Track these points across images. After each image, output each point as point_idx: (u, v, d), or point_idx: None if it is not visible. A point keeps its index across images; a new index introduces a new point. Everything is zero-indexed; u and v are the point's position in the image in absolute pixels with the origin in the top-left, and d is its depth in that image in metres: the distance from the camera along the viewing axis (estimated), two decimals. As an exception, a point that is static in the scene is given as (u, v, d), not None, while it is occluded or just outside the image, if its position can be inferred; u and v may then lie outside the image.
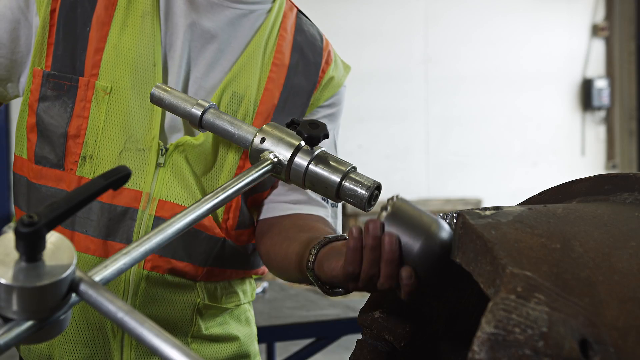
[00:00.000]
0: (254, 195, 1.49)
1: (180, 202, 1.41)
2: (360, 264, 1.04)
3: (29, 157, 1.43)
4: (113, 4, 1.42)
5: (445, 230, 1.01)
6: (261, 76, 1.46)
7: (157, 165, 1.41)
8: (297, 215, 1.48)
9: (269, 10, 1.50)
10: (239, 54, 1.46)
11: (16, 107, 7.80)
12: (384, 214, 1.02)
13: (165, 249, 1.42)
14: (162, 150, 1.41)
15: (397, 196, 1.05)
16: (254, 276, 1.60)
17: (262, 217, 1.51)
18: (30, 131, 1.43)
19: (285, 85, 1.48)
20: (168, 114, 1.42)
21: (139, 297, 1.41)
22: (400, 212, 1.02)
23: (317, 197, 1.50)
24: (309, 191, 1.46)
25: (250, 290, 1.60)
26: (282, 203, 1.49)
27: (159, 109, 1.40)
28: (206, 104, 1.23)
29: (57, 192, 1.41)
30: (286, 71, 1.48)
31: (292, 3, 1.57)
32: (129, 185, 1.39)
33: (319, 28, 1.57)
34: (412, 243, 1.01)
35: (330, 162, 1.13)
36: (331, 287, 1.19)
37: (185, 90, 1.43)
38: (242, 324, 1.57)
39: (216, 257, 1.47)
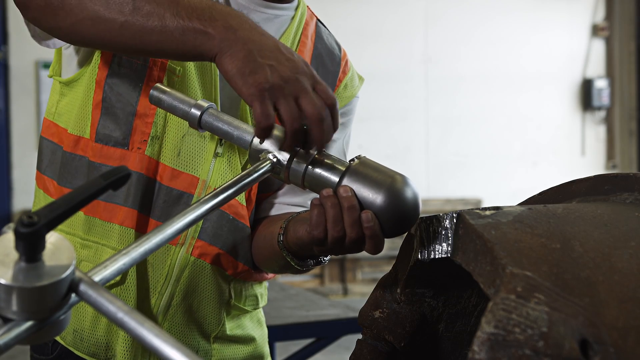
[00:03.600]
0: (261, 195, 1.49)
1: None
2: (324, 226, 1.10)
3: (90, 136, 1.40)
4: None
5: (409, 185, 1.07)
6: None
7: (215, 154, 1.40)
8: (290, 212, 1.48)
9: (292, 17, 1.50)
10: None
11: (17, 108, 7.74)
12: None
13: (215, 238, 1.41)
14: (221, 140, 1.40)
15: (358, 156, 1.11)
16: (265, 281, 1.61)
17: (258, 216, 1.51)
18: (95, 108, 1.39)
19: None
20: (227, 102, 1.40)
21: (180, 285, 1.40)
22: (361, 168, 1.08)
23: None
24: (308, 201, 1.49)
25: (265, 294, 1.60)
26: (281, 204, 1.49)
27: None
28: (205, 105, 1.22)
29: None
30: None
31: (312, 12, 1.57)
32: (187, 169, 1.39)
33: (336, 38, 1.58)
34: (374, 196, 1.07)
35: (329, 162, 1.12)
36: (301, 258, 1.27)
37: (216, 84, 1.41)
38: (255, 324, 1.58)
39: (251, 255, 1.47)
